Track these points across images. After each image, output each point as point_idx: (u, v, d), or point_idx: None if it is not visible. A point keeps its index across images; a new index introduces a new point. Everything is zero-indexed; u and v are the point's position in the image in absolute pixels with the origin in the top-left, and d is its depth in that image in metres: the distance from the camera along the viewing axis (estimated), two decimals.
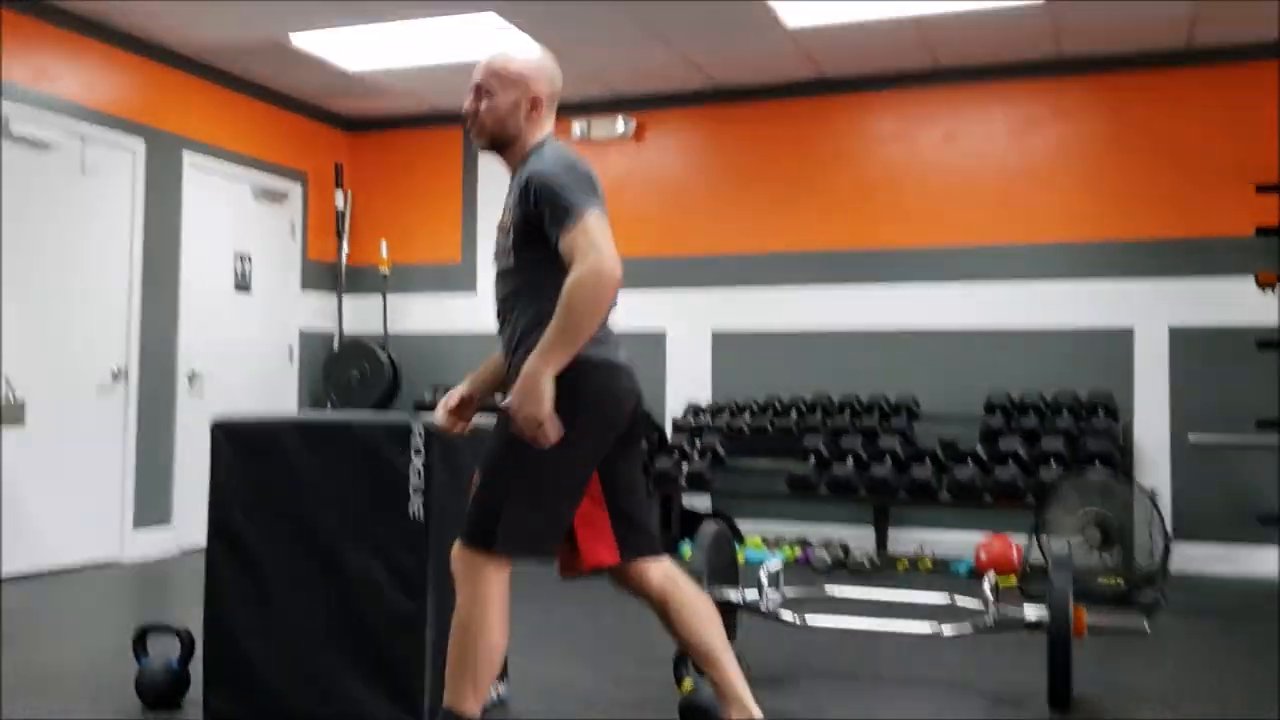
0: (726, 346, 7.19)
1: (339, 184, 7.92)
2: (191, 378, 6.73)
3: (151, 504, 6.45)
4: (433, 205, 7.99)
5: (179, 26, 6.20)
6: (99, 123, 6.12)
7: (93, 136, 6.08)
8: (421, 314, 7.93)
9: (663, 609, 2.66)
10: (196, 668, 3.31)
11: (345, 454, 3.10)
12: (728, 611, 3.84)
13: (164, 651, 3.41)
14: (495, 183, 7.75)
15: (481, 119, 2.70)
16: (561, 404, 2.40)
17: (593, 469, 2.58)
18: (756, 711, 2.64)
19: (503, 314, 2.67)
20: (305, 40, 6.39)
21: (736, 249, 7.22)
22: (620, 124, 7.40)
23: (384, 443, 3.06)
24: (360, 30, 6.22)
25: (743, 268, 7.19)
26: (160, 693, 3.32)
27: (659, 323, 7.31)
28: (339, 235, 7.94)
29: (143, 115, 6.41)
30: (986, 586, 3.64)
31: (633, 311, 7.29)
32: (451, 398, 2.80)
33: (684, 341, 7.27)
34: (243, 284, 7.24)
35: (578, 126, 7.50)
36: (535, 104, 2.68)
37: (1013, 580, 5.68)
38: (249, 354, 7.27)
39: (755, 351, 7.11)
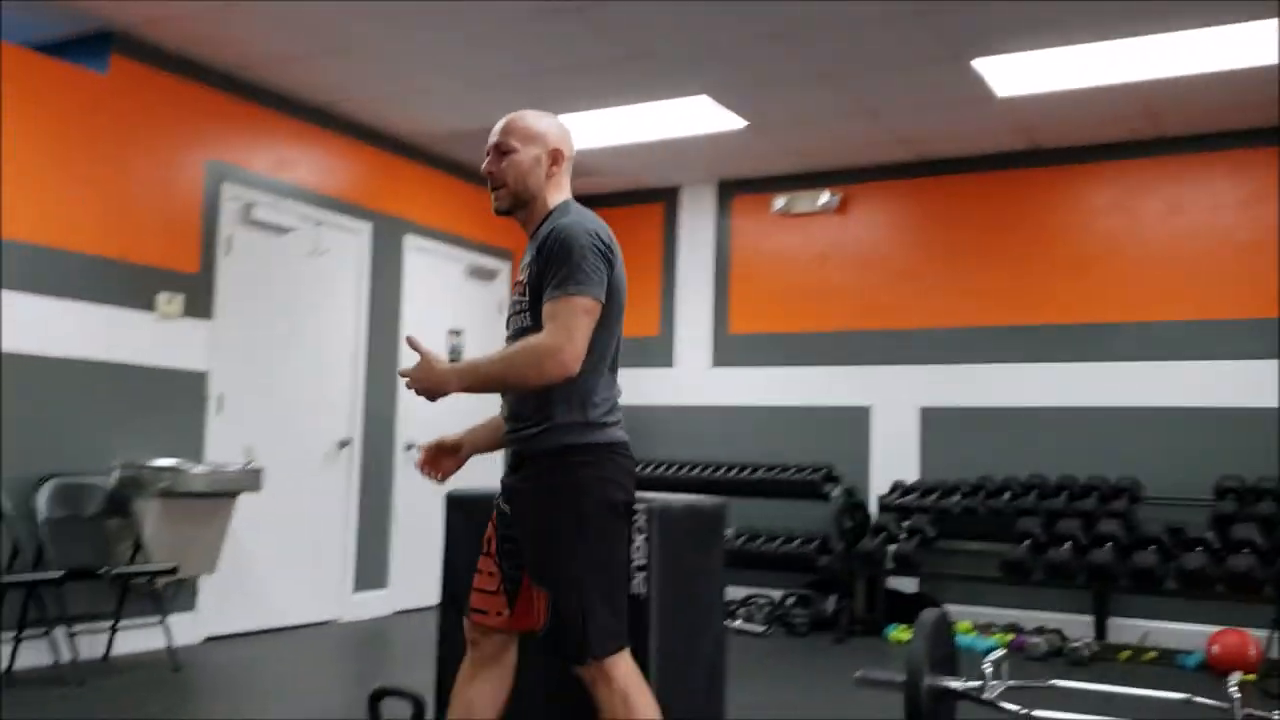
0: (935, 424, 7.02)
1: None
2: (408, 447, 7.02)
3: (370, 567, 6.73)
4: (632, 279, 8.04)
5: (403, 116, 6.59)
6: (331, 208, 6.53)
7: (325, 220, 6.49)
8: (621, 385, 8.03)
9: (486, 671, 2.73)
10: None
11: None
12: (947, 699, 3.72)
13: (396, 713, 3.51)
14: (696, 254, 7.87)
15: (504, 175, 2.67)
16: (610, 487, 2.55)
17: (626, 543, 2.69)
18: None
19: None
20: None
21: (945, 323, 7.07)
22: (823, 197, 7.40)
23: None
24: (572, 117, 6.46)
25: (951, 343, 7.03)
26: None
27: (864, 399, 7.22)
28: None
29: (370, 200, 6.81)
30: (1233, 686, 3.41)
31: (836, 386, 7.29)
32: (432, 444, 2.86)
33: (889, 418, 7.14)
34: (454, 358, 7.54)
35: (779, 200, 7.55)
36: (556, 158, 2.68)
37: (1252, 678, 5.28)
38: (459, 425, 7.49)
39: (965, 429, 6.92)
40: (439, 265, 7.40)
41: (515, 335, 2.63)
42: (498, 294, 7.91)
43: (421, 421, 7.11)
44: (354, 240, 6.71)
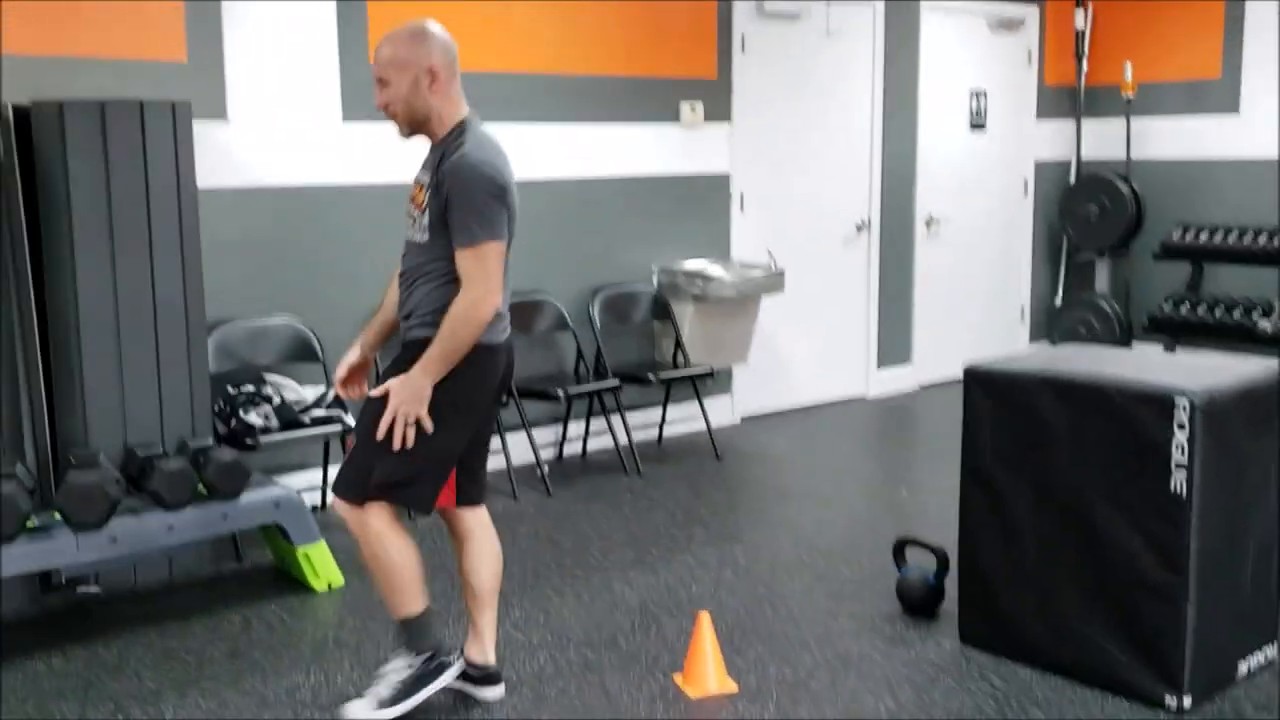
0: None
1: (1080, 1, 7.31)
2: (929, 222, 6.86)
3: (892, 345, 6.82)
4: (1187, 13, 7.05)
5: None
6: None
7: None
8: (1170, 138, 7.17)
9: (461, 546, 3.01)
10: (950, 582, 3.50)
11: (1099, 416, 2.97)
12: None
13: (920, 562, 3.63)
14: None
15: (392, 109, 2.77)
16: (469, 386, 2.76)
17: (470, 432, 2.88)
18: (493, 658, 3.05)
19: (406, 281, 2.86)
20: None
21: None
22: None
23: (1142, 411, 2.88)
24: None
25: None
26: (917, 603, 3.57)
27: None
28: (1078, 57, 7.39)
29: None
30: None
31: None
32: (342, 370, 3.07)
33: None
34: (978, 122, 7.11)
35: None
36: (433, 75, 2.73)
37: None
38: (983, 193, 7.20)
39: None
40: (958, 23, 6.89)
41: (411, 244, 2.84)
42: (1025, 43, 7.25)
43: (942, 191, 6.90)
44: (866, 10, 6.40)
